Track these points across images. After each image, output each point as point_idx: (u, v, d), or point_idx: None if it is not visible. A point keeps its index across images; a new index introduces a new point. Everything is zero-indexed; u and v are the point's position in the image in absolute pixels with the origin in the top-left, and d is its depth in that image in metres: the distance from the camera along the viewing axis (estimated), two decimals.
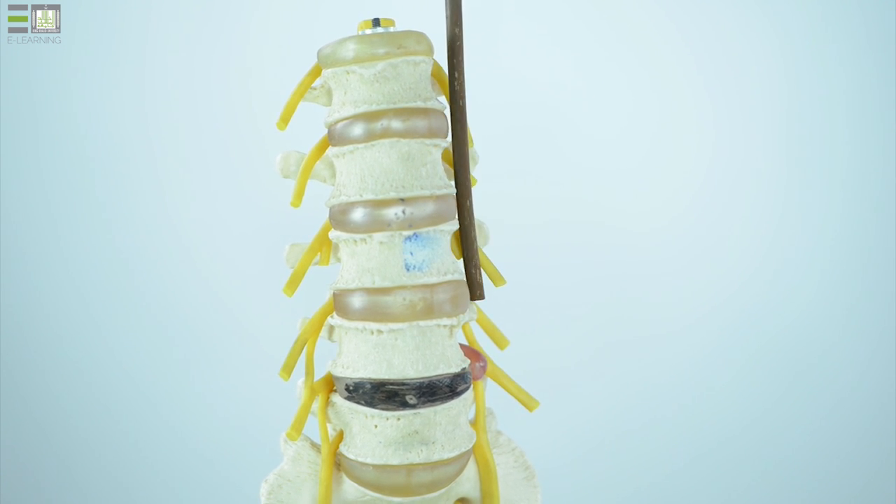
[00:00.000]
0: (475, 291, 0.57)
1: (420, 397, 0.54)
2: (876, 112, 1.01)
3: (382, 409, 0.54)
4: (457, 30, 0.57)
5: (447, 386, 0.55)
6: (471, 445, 0.57)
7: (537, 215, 1.01)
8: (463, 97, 0.57)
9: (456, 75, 0.57)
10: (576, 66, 1.03)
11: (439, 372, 0.54)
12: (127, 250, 1.02)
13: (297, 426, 0.56)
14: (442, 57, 0.57)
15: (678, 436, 1.02)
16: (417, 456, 0.55)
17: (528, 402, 0.59)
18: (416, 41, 0.55)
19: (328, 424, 0.57)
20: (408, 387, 0.54)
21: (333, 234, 0.56)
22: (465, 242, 0.57)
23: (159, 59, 1.01)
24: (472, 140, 0.58)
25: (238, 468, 0.98)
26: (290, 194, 0.56)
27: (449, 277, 0.55)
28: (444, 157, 0.57)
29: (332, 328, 0.57)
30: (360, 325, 0.55)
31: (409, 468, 0.55)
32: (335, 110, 0.56)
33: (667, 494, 1.01)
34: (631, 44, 1.02)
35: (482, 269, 0.58)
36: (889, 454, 1.00)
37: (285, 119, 0.56)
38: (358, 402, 0.55)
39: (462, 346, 0.57)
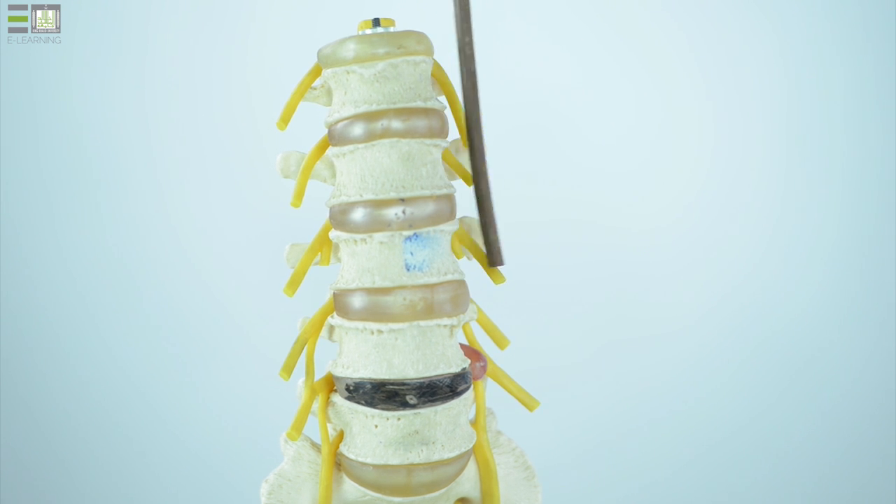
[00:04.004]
0: (496, 258, 0.57)
1: (420, 397, 0.54)
2: (876, 112, 1.01)
3: (383, 409, 0.54)
4: None
5: (447, 386, 0.55)
6: (471, 445, 0.57)
7: (537, 215, 1.01)
8: (474, 62, 0.56)
9: (467, 40, 0.56)
10: (577, 66, 1.03)
11: (439, 372, 0.54)
12: (126, 251, 1.02)
13: (298, 426, 0.56)
14: (442, 56, 0.57)
15: (678, 435, 1.02)
16: (418, 456, 0.55)
17: (528, 402, 0.59)
18: (416, 41, 0.55)
19: (328, 424, 0.57)
20: (408, 387, 0.54)
21: (334, 234, 0.56)
22: (484, 207, 0.57)
23: (159, 59, 1.01)
24: None
25: (238, 468, 0.98)
26: (290, 194, 0.56)
27: (449, 277, 0.55)
28: (444, 157, 0.57)
29: (332, 328, 0.57)
30: (360, 325, 0.55)
31: (410, 468, 0.55)
32: (335, 110, 0.56)
33: (667, 494, 1.01)
34: (632, 44, 1.02)
35: (482, 266, 0.58)
36: (889, 452, 1.01)
37: (285, 119, 0.56)
38: (358, 402, 0.55)
39: (462, 345, 0.57)
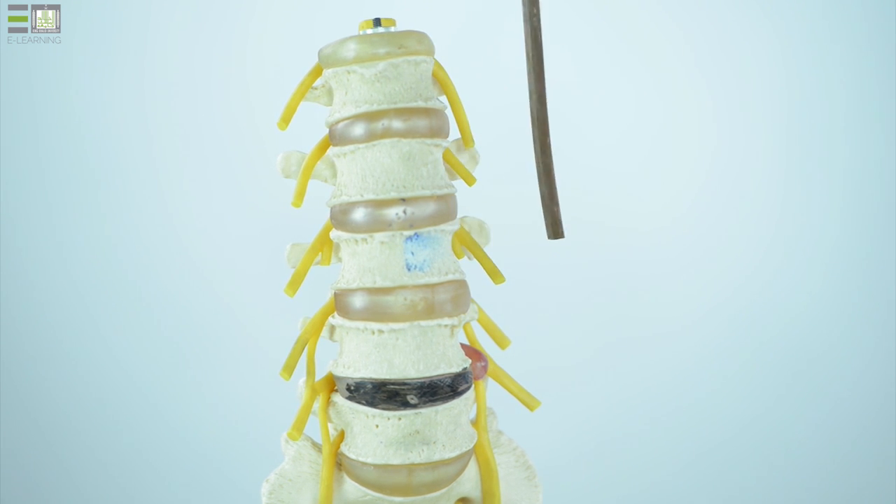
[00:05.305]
0: (557, 230, 0.57)
1: (421, 397, 0.54)
2: (876, 112, 1.01)
3: (383, 408, 0.54)
4: None
5: (448, 386, 0.55)
6: (472, 445, 0.57)
7: (538, 215, 1.01)
8: (540, 32, 0.56)
9: (535, 10, 0.56)
10: (577, 66, 1.03)
11: (440, 372, 0.54)
12: (127, 251, 1.02)
13: (299, 426, 0.56)
14: (443, 55, 0.57)
15: (678, 435, 1.02)
16: (418, 456, 0.55)
17: (529, 402, 0.59)
18: (417, 41, 0.55)
19: (329, 424, 0.57)
20: (409, 386, 0.54)
21: (334, 233, 0.56)
22: (548, 181, 0.57)
23: (159, 59, 1.01)
24: (473, 140, 0.58)
25: (239, 468, 0.98)
26: (291, 194, 0.56)
27: (450, 277, 0.55)
28: (445, 157, 0.57)
29: (333, 328, 0.57)
30: (360, 324, 0.55)
31: (411, 468, 0.55)
32: (336, 110, 0.56)
33: (667, 494, 1.01)
34: (632, 44, 1.02)
35: (482, 264, 0.58)
36: (890, 453, 1.01)
37: (286, 119, 0.56)
38: (359, 402, 0.55)
39: (463, 345, 0.57)
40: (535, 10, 0.56)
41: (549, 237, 0.57)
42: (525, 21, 0.56)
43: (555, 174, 0.57)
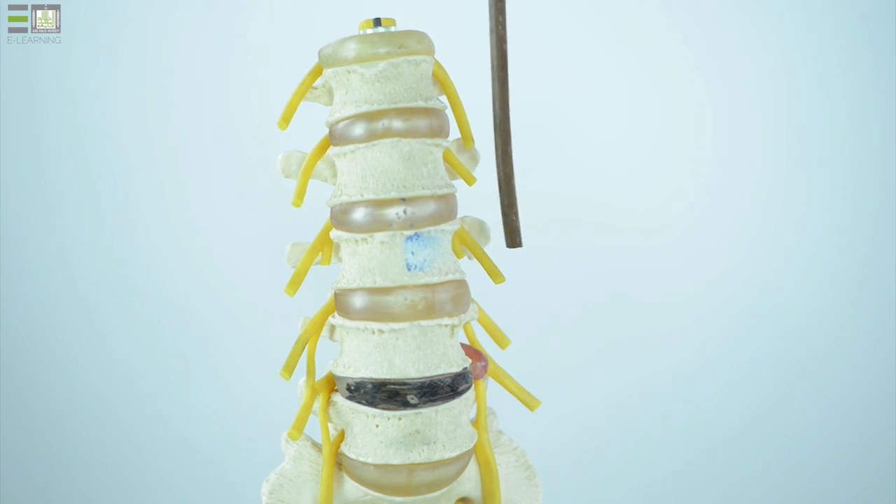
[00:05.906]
0: (515, 239, 0.57)
1: (421, 397, 0.54)
2: (876, 112, 1.02)
3: (384, 408, 0.54)
4: None
5: (448, 385, 0.55)
6: (472, 445, 0.57)
7: (538, 214, 1.01)
8: (505, 41, 0.57)
9: (500, 19, 0.56)
10: (577, 65, 1.03)
11: (440, 371, 0.54)
12: (127, 251, 1.02)
13: (299, 426, 0.56)
14: (444, 55, 0.58)
15: (678, 435, 1.02)
16: (419, 456, 0.55)
17: (529, 402, 0.59)
18: (417, 41, 0.55)
19: (329, 424, 0.57)
20: (409, 386, 0.54)
21: (335, 233, 0.56)
22: (507, 189, 0.57)
23: (159, 59, 1.01)
24: (473, 140, 0.58)
25: (239, 468, 0.98)
26: (291, 194, 0.56)
27: (450, 277, 0.55)
28: (445, 157, 0.57)
29: (333, 328, 0.57)
30: (361, 324, 0.55)
31: (411, 468, 0.55)
32: (336, 110, 0.56)
33: (667, 494, 1.01)
34: (632, 43, 1.02)
35: (482, 264, 0.58)
36: (890, 453, 1.01)
37: (286, 119, 0.56)
38: (359, 402, 0.55)
39: (463, 345, 0.57)
40: (500, 19, 0.56)
41: (507, 245, 0.58)
42: (490, 30, 0.56)
43: (515, 182, 0.57)
